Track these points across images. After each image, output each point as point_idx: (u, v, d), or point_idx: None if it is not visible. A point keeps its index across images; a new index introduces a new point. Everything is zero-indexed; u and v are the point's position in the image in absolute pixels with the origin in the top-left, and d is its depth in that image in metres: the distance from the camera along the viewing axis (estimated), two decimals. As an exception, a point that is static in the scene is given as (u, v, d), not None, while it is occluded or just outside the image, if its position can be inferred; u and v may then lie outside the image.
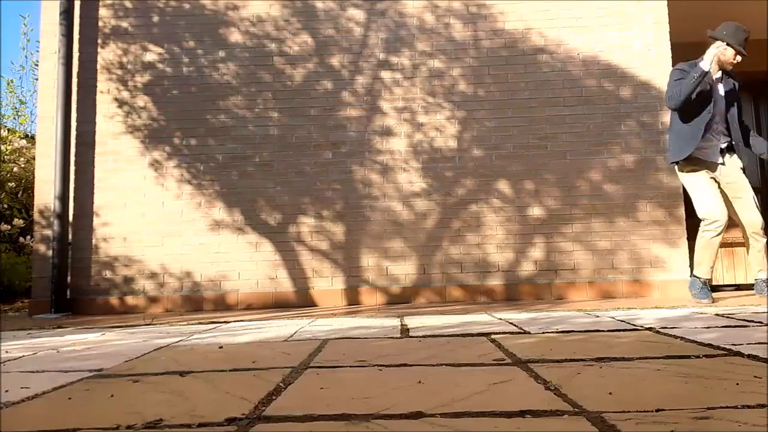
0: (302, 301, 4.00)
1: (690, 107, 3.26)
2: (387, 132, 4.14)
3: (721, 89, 3.35)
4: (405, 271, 4.00)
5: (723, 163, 3.32)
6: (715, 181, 3.33)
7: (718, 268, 4.24)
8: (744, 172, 3.36)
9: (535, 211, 4.03)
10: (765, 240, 3.27)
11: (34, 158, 5.76)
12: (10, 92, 7.87)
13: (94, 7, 4.29)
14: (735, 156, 3.36)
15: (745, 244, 3.37)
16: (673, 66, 4.12)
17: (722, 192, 3.33)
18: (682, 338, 1.79)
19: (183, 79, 4.21)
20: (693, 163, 3.32)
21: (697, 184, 3.32)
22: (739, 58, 3.27)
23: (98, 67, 4.24)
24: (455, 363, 1.48)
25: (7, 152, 6.29)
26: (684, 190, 3.98)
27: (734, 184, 3.30)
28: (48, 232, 4.05)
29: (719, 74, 3.36)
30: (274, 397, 1.15)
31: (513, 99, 4.13)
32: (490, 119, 4.12)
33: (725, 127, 3.34)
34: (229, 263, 4.04)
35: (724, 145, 3.33)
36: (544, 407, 1.01)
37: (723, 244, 4.19)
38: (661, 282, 3.90)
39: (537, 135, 4.09)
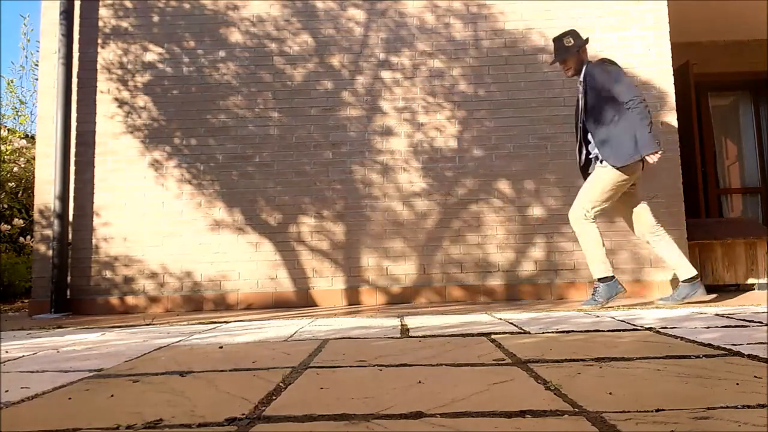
0: (302, 301, 4.00)
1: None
2: (387, 132, 4.14)
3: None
4: (405, 271, 4.00)
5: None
6: None
7: (718, 268, 4.23)
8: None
9: (536, 211, 4.03)
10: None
11: (34, 158, 5.77)
12: (10, 92, 7.89)
13: (94, 7, 4.29)
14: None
15: None
16: (672, 66, 4.14)
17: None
18: (682, 338, 1.79)
19: (183, 79, 4.21)
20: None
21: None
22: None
23: (98, 67, 4.24)
24: (455, 363, 1.48)
25: (7, 152, 6.29)
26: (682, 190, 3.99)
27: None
28: (48, 232, 4.05)
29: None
30: (274, 397, 1.15)
31: (513, 99, 4.13)
32: (490, 119, 4.12)
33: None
34: (229, 263, 4.04)
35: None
36: (544, 407, 1.01)
37: (723, 244, 4.19)
38: (661, 282, 3.90)
39: (537, 135, 4.09)
